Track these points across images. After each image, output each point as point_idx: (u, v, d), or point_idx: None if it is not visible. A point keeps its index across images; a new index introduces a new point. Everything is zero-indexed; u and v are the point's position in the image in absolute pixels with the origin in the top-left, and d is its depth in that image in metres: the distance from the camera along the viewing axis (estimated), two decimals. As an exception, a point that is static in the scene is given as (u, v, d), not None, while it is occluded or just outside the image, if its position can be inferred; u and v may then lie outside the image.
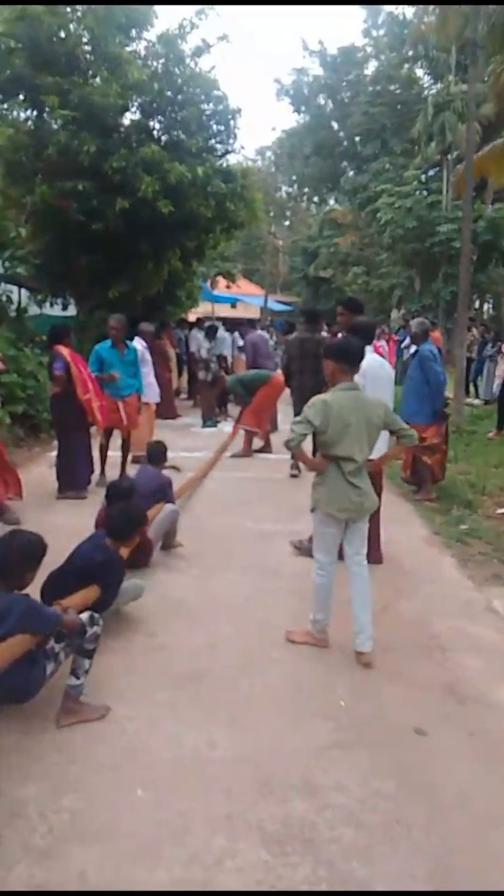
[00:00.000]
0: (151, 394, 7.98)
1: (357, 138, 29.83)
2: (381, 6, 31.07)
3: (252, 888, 2.03)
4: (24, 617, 2.58)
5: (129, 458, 7.04)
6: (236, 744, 2.74)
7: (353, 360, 3.56)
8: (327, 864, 2.13)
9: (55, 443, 6.71)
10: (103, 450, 6.90)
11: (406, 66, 29.55)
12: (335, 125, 33.56)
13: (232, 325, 16.07)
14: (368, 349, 4.29)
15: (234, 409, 10.28)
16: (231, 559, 4.86)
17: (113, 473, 6.67)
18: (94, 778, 2.51)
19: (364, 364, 3.90)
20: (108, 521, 3.62)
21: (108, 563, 3.40)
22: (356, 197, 22.26)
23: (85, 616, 2.86)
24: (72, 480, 6.43)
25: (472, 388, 14.17)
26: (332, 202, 34.61)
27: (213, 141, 12.01)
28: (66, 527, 4.73)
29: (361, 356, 3.63)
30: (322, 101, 34.60)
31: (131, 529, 3.61)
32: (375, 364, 4.60)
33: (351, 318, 4.84)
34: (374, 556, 4.66)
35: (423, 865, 2.15)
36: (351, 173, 30.25)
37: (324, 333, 8.12)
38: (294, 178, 42.03)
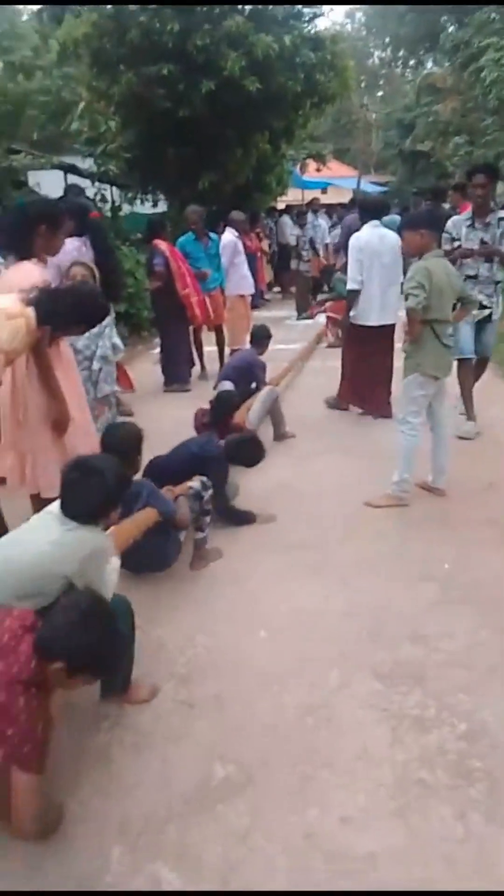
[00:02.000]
0: (246, 285, 7.91)
1: (459, -15, 26.45)
2: None
3: (366, 711, 2.29)
4: (149, 497, 2.89)
5: (228, 351, 7.18)
6: (348, 600, 2.97)
7: (440, 228, 3.98)
8: (435, 695, 2.35)
9: (156, 340, 6.93)
10: (199, 345, 7.08)
11: None
12: (434, -28, 29.77)
13: (327, 208, 15.34)
14: (371, 224, 5.24)
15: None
16: (331, 443, 5.00)
17: (213, 367, 6.87)
18: (221, 624, 2.83)
19: (364, 238, 5.15)
20: (231, 446, 3.77)
21: (219, 458, 3.63)
22: (457, 55, 19.97)
23: (197, 483, 3.15)
24: (175, 374, 6.70)
25: None
26: (430, 65, 31.31)
27: (299, 6, 11.10)
28: (174, 416, 5.02)
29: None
30: None
31: (249, 462, 3.87)
32: (373, 237, 5.21)
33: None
34: (385, 410, 5.38)
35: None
36: (451, 28, 27.06)
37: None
38: (388, 40, 38.12)
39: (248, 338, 6.25)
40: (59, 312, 2.58)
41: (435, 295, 3.65)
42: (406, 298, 3.70)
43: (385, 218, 6.15)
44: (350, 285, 5.27)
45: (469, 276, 4.78)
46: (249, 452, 3.81)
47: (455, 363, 4.47)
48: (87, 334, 3.61)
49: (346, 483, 4.25)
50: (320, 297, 10.55)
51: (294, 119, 12.45)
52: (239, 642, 2.70)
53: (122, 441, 2.89)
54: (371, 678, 2.46)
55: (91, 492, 2.12)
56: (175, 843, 1.82)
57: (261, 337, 5.66)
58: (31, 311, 2.49)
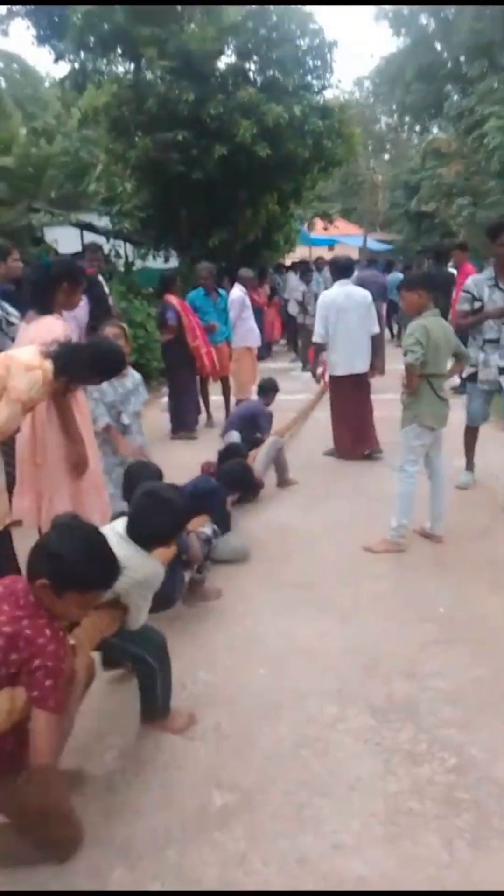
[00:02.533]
0: (252, 338, 8.17)
1: (462, 58, 27.81)
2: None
3: (360, 744, 2.37)
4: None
5: (234, 401, 7.41)
6: (345, 637, 3.08)
7: (437, 289, 4.21)
8: (427, 731, 2.43)
9: (165, 389, 7.17)
10: (206, 395, 7.34)
11: (517, -30, 26.89)
12: (438, 46, 31.34)
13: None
14: (339, 283, 5.86)
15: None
16: (334, 488, 5.16)
17: (219, 416, 7.10)
18: (221, 659, 2.93)
19: (330, 296, 5.80)
20: (222, 472, 4.10)
21: (216, 489, 3.87)
22: (461, 122, 20.89)
23: (209, 529, 3.30)
24: (183, 422, 6.92)
25: None
26: (435, 130, 32.66)
27: (309, 77, 11.81)
28: (181, 462, 5.18)
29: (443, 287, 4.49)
30: (424, 21, 32.31)
31: (240, 484, 4.15)
32: (340, 294, 5.79)
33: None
34: (373, 443, 5.87)
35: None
36: (455, 97, 28.36)
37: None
38: (394, 107, 39.72)
39: (254, 389, 6.48)
40: (77, 364, 2.74)
41: (431, 351, 3.86)
42: (405, 354, 3.91)
43: (389, 276, 6.77)
44: (314, 339, 5.95)
45: (489, 340, 4.72)
46: (241, 474, 4.11)
47: (463, 427, 5.05)
48: (120, 388, 3.85)
49: (345, 527, 4.38)
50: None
51: (302, 182, 13.05)
52: (238, 677, 2.80)
53: (145, 476, 3.04)
54: (366, 713, 2.54)
55: (161, 518, 2.30)
56: (174, 866, 1.90)
57: (268, 389, 5.86)
58: (48, 364, 2.66)
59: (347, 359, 5.80)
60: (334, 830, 2.00)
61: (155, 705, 2.42)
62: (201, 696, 2.68)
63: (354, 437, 5.91)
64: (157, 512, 2.30)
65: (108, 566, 1.90)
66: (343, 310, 5.73)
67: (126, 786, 2.21)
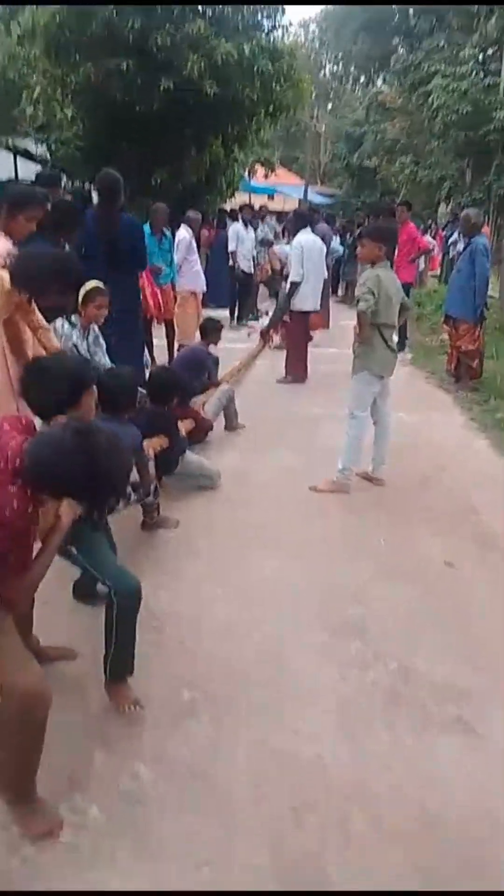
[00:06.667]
0: (199, 283, 8.16)
1: (411, 10, 27.53)
2: None
3: (316, 657, 2.63)
4: (135, 451, 3.08)
5: (177, 346, 7.41)
6: (298, 570, 3.31)
7: (392, 241, 4.61)
8: (374, 645, 2.72)
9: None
10: (149, 338, 7.27)
11: None
12: (387, -5, 30.83)
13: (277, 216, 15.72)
14: (304, 231, 6.85)
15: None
16: (281, 435, 5.34)
17: (162, 360, 7.09)
18: (183, 584, 3.11)
19: (302, 240, 6.77)
20: (149, 386, 3.92)
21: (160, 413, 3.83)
22: (407, 77, 20.83)
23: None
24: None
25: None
26: (380, 83, 32.39)
27: (260, 16, 11.48)
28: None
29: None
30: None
31: (166, 392, 3.92)
32: (310, 240, 6.84)
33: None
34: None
35: (450, 645, 2.74)
36: (402, 51, 28.15)
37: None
38: (340, 55, 39.20)
39: (197, 333, 6.48)
40: (36, 274, 2.64)
41: (383, 301, 4.05)
42: (357, 303, 4.08)
43: (333, 244, 9.10)
44: (293, 278, 6.79)
45: None
46: (167, 378, 4.01)
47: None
48: (83, 339, 3.79)
49: (293, 471, 4.59)
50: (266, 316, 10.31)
51: (248, 125, 12.79)
52: (200, 601, 2.99)
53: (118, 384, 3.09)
54: (319, 632, 2.80)
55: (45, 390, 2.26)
56: (150, 748, 2.11)
57: (211, 329, 5.76)
58: (4, 273, 2.61)
59: (314, 296, 6.95)
60: (293, 722, 2.25)
61: (106, 656, 2.28)
62: (164, 613, 2.85)
63: (305, 364, 7.07)
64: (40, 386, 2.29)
65: None
66: (310, 253, 6.76)
67: (97, 686, 2.35)
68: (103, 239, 4.75)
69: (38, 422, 2.10)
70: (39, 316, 2.90)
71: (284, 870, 1.77)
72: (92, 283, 3.68)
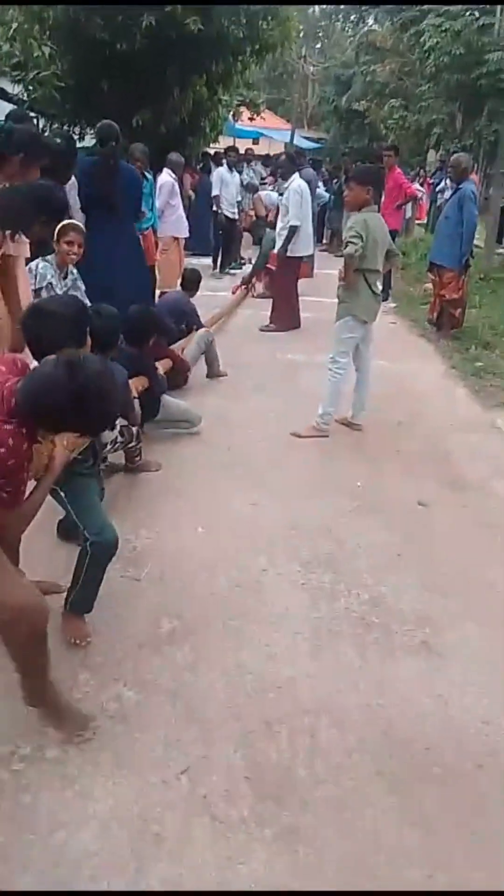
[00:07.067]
0: (181, 228, 8.02)
1: None
2: None
3: (288, 586, 2.74)
4: (124, 386, 3.13)
5: (158, 293, 7.33)
6: (275, 507, 3.41)
7: (379, 184, 4.52)
8: (345, 576, 2.84)
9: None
10: None
11: None
12: None
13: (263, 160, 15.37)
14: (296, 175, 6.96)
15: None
16: (262, 381, 5.39)
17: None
18: (163, 521, 3.20)
19: (302, 185, 6.83)
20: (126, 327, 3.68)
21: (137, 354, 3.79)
22: (399, 16, 20.09)
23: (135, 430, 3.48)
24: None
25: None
26: (370, 22, 31.18)
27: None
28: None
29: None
30: None
31: (142, 332, 3.85)
32: (303, 184, 6.90)
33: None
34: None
35: (419, 578, 2.88)
36: (394, -13, 27.04)
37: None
38: (329, -10, 37.54)
39: (179, 281, 6.43)
40: (16, 206, 2.62)
41: (370, 246, 4.05)
42: (345, 246, 4.07)
43: (319, 190, 8.74)
44: (293, 221, 6.73)
45: None
46: (143, 317, 3.91)
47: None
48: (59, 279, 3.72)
49: (273, 416, 4.66)
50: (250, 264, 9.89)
51: (233, 65, 12.37)
52: (179, 537, 3.09)
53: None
54: (293, 563, 2.91)
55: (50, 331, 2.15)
56: (132, 671, 2.22)
57: (192, 281, 5.79)
58: None
59: (307, 241, 7.01)
60: (267, 645, 2.38)
61: (70, 588, 2.37)
62: (145, 550, 2.95)
63: (293, 312, 7.00)
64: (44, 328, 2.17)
65: None
66: (306, 197, 6.90)
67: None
68: (103, 187, 4.74)
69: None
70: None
71: (257, 774, 1.91)
72: (67, 221, 3.65)
